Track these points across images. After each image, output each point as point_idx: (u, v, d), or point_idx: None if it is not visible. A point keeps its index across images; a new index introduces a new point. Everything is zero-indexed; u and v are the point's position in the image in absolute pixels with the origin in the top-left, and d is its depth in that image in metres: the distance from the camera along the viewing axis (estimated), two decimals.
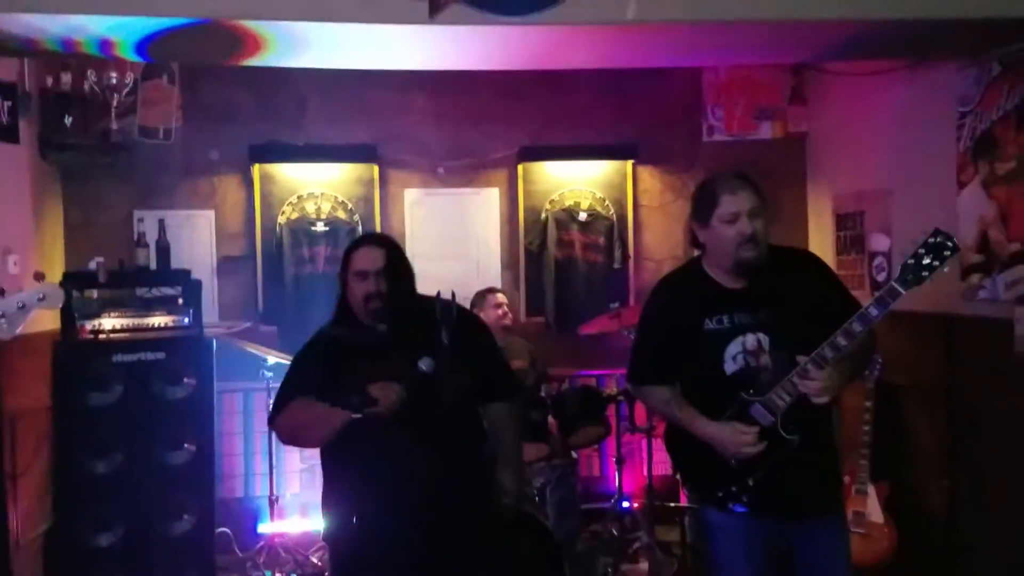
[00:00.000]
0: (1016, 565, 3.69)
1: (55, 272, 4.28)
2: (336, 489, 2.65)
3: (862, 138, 4.85)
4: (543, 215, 5.25)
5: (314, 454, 4.75)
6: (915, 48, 4.03)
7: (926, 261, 2.35)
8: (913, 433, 4.38)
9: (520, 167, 5.23)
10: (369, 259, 2.55)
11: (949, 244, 2.34)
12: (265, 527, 4.65)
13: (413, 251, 5.12)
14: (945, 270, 2.36)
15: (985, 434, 3.89)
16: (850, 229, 4.94)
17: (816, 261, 2.72)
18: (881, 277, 4.61)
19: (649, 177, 5.38)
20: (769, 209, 2.58)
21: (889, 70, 4.45)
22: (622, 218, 5.31)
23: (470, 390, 2.63)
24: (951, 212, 3.99)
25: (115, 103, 4.65)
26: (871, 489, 4.17)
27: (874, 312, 2.37)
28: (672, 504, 4.62)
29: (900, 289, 2.36)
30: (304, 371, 2.65)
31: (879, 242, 4.67)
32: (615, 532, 4.49)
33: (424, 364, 2.44)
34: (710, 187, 2.56)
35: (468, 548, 2.57)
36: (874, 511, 4.15)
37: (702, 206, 2.55)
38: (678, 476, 4.79)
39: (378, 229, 5.11)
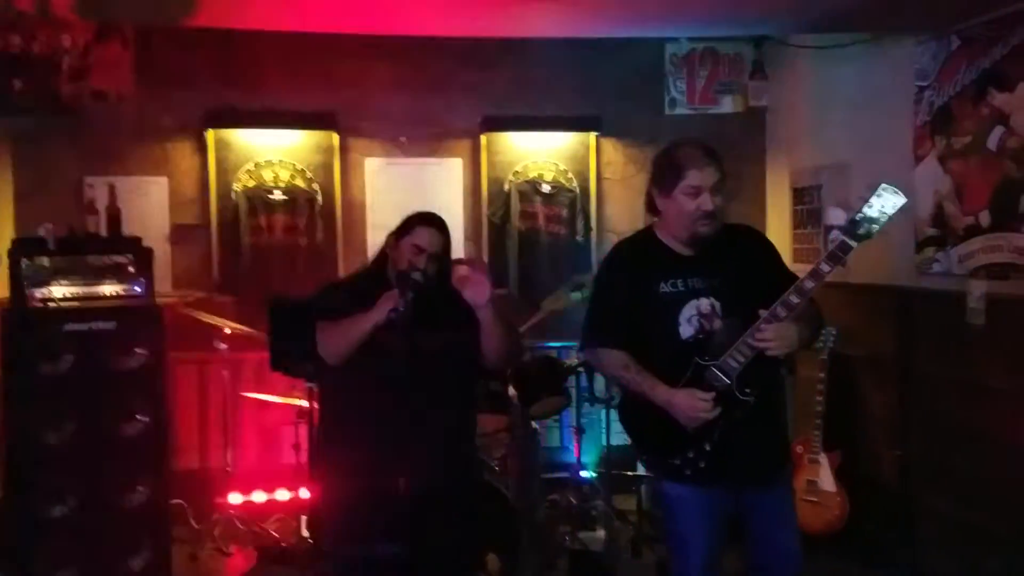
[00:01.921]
0: (966, 533, 3.79)
1: (4, 238, 4.17)
2: (334, 430, 2.82)
3: (821, 112, 4.89)
4: (506, 187, 5.23)
5: (270, 428, 4.81)
6: (876, 21, 4.06)
7: (874, 215, 2.37)
8: (866, 403, 4.46)
9: (483, 137, 5.19)
10: (430, 240, 2.72)
11: (897, 200, 2.37)
12: (221, 499, 4.60)
13: (374, 221, 5.11)
14: (891, 216, 2.36)
15: (937, 404, 3.98)
16: (807, 203, 4.99)
17: (760, 236, 2.80)
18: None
19: (612, 150, 5.38)
20: (728, 183, 2.61)
21: (849, 44, 4.49)
22: (585, 191, 5.31)
23: (465, 353, 2.70)
24: (907, 186, 4.03)
25: (66, 66, 4.51)
26: (824, 458, 4.24)
27: (825, 268, 2.40)
28: (629, 473, 4.67)
29: (851, 243, 2.39)
30: (335, 301, 2.80)
31: (835, 216, 4.72)
32: (573, 501, 4.53)
33: (415, 275, 2.60)
34: (676, 157, 2.56)
35: (442, 509, 2.65)
36: (826, 480, 4.22)
37: (666, 175, 2.56)
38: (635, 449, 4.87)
39: (338, 198, 5.06)
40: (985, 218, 3.70)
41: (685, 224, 2.53)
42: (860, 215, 2.39)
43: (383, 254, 2.81)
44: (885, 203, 2.36)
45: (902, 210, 2.39)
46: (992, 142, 3.65)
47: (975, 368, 3.71)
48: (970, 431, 3.76)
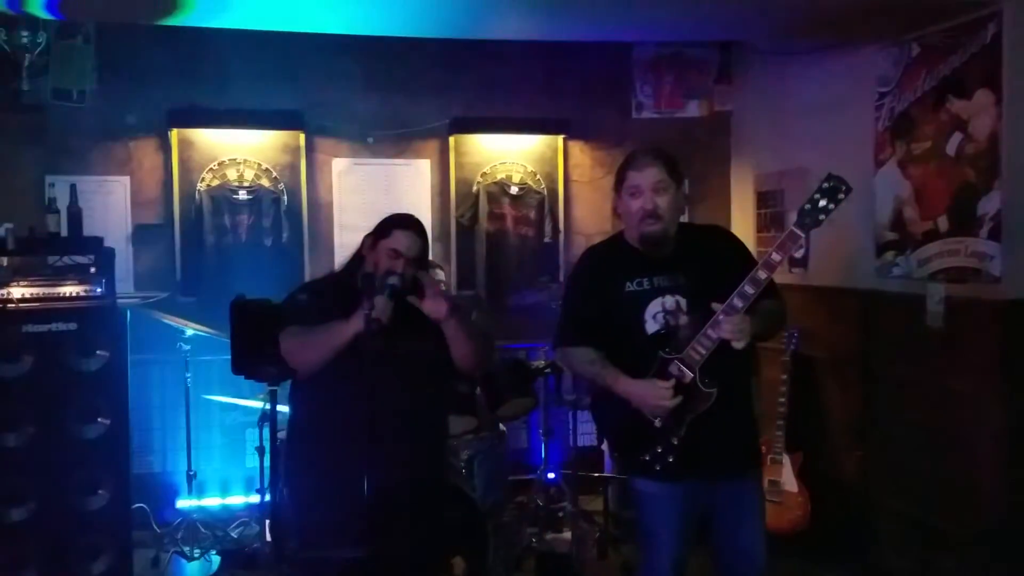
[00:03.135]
0: (925, 531, 3.86)
1: None
2: (301, 433, 2.82)
3: (784, 117, 4.95)
4: (475, 188, 5.23)
5: (233, 430, 4.76)
6: (839, 28, 4.13)
7: (821, 204, 2.45)
8: (828, 404, 4.52)
9: (452, 139, 5.19)
10: (408, 244, 2.72)
11: (842, 187, 2.44)
12: (183, 502, 4.55)
13: (341, 222, 5.08)
14: (837, 203, 2.43)
15: (897, 405, 4.04)
16: (771, 207, 5.06)
17: (729, 235, 2.88)
18: (799, 255, 4.72)
19: (580, 152, 5.40)
20: (681, 184, 2.67)
21: (812, 50, 4.55)
22: (553, 192, 5.32)
23: (436, 357, 2.70)
24: (868, 191, 4.11)
25: (27, 63, 4.45)
26: (786, 458, 4.30)
27: (776, 257, 2.46)
28: (596, 474, 4.70)
29: (799, 232, 2.47)
30: (316, 303, 2.77)
31: None
32: (540, 502, 4.54)
33: (392, 279, 2.60)
34: (624, 161, 2.70)
35: (409, 513, 2.66)
36: (789, 480, 4.28)
37: (617, 179, 2.70)
38: (603, 446, 4.89)
39: (304, 198, 5.02)
40: (943, 223, 3.77)
41: (633, 224, 2.63)
42: (808, 205, 2.46)
43: (359, 256, 2.80)
44: (832, 193, 2.44)
45: (848, 198, 2.45)
46: (951, 148, 3.72)
47: (934, 370, 3.78)
48: (929, 432, 3.83)
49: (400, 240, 2.70)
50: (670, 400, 2.52)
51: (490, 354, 3.00)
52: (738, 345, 2.48)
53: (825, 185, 2.44)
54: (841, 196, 2.43)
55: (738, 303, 2.46)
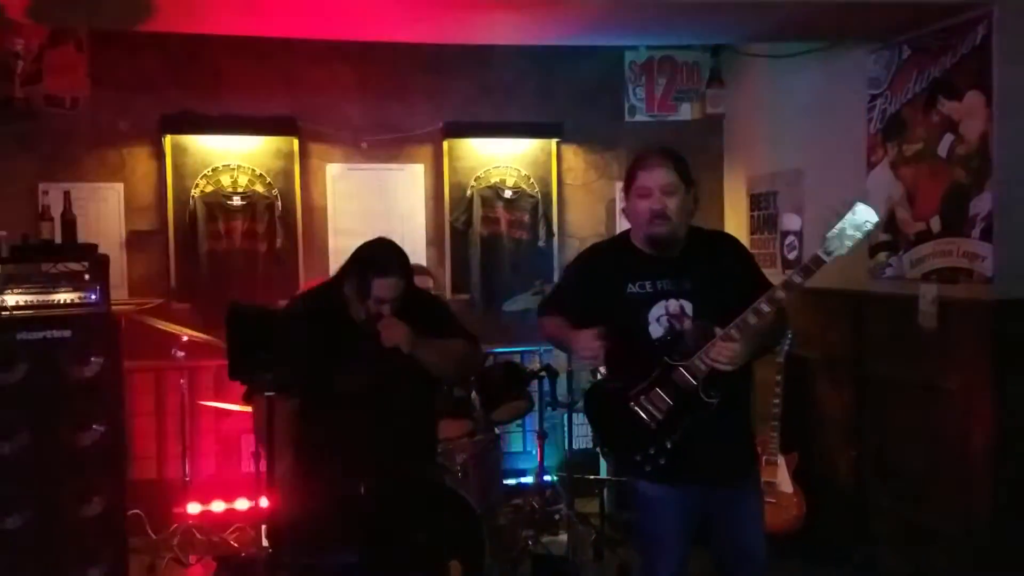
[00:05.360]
0: (918, 530, 3.87)
1: None
2: (300, 441, 2.83)
3: (776, 119, 4.98)
4: (469, 192, 5.24)
5: (229, 436, 4.76)
6: (829, 31, 4.15)
7: (849, 233, 2.43)
8: (822, 405, 4.54)
9: (445, 143, 5.20)
10: (390, 289, 2.77)
11: (870, 217, 2.44)
12: (179, 509, 4.54)
13: (336, 227, 5.09)
14: (864, 233, 2.43)
15: (890, 405, 4.06)
16: (764, 209, 5.08)
17: (737, 243, 2.85)
18: (792, 256, 4.75)
19: (573, 156, 5.42)
20: (691, 187, 2.64)
21: (803, 53, 4.57)
22: (547, 196, 5.34)
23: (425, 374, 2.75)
24: (860, 192, 4.13)
25: (19, 70, 4.45)
26: (781, 459, 4.31)
27: (798, 279, 2.46)
28: (592, 477, 4.70)
29: (824, 258, 2.45)
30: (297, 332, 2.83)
31: (791, 222, 4.81)
32: (536, 505, 4.54)
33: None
34: (634, 161, 2.67)
35: (405, 517, 2.68)
36: (784, 481, 4.29)
37: (626, 179, 2.68)
38: (598, 448, 4.90)
39: (298, 203, 5.02)
40: (936, 223, 3.79)
41: (640, 225, 2.62)
42: (835, 231, 2.44)
43: (343, 275, 2.85)
44: (858, 221, 2.43)
45: (876, 227, 2.45)
46: (942, 149, 3.74)
47: (926, 370, 3.80)
48: (922, 432, 3.84)
49: (381, 290, 2.74)
50: (598, 349, 2.52)
51: (469, 367, 3.02)
52: (725, 368, 2.47)
53: (852, 214, 2.43)
54: (868, 227, 2.42)
55: (752, 320, 2.44)
